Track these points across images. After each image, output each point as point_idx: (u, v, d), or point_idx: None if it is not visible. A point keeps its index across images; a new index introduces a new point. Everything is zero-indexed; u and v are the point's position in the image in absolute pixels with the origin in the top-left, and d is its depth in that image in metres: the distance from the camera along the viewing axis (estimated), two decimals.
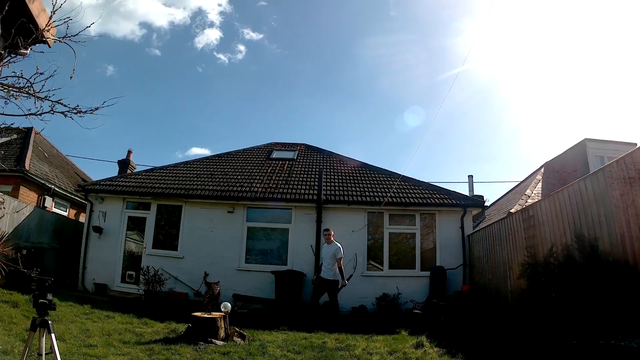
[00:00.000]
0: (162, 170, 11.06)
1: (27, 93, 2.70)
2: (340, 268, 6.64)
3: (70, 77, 2.78)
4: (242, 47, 45.12)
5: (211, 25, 44.46)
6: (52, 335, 2.22)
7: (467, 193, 12.17)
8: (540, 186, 10.64)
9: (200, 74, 45.48)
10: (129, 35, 40.46)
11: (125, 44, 38.39)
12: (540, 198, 9.11)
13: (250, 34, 43.81)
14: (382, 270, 9.32)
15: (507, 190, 13.93)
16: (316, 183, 9.97)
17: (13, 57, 2.77)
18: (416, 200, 9.46)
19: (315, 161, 12.15)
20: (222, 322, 4.86)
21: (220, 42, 45.33)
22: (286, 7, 42.99)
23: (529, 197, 9.96)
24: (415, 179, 10.65)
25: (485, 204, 10.61)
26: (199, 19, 44.10)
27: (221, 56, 45.38)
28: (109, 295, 8.83)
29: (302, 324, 6.21)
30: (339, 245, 6.73)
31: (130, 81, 38.06)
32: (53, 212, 11.39)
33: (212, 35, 44.88)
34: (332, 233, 6.92)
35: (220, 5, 43.67)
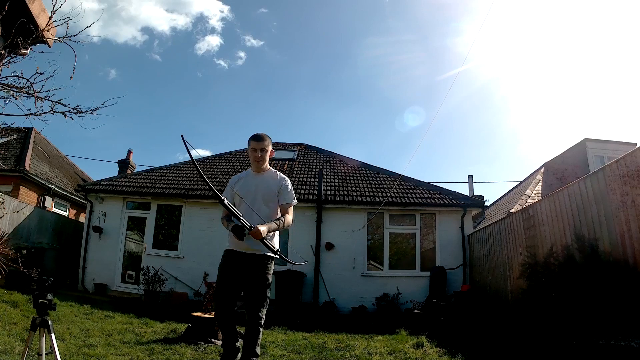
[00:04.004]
0: (162, 170, 11.06)
1: (27, 93, 2.71)
2: (280, 222, 2.90)
3: (70, 77, 2.78)
4: (242, 54, 45.17)
5: (212, 31, 44.49)
6: (52, 335, 2.22)
7: (467, 193, 12.17)
8: (540, 186, 10.64)
9: (200, 78, 45.50)
10: (131, 41, 40.50)
11: (127, 49, 38.43)
12: (540, 198, 9.11)
13: (251, 41, 43.86)
14: (382, 270, 9.32)
15: (507, 190, 13.94)
16: (316, 183, 9.98)
17: (13, 57, 2.77)
18: (416, 200, 9.46)
19: (315, 161, 12.15)
20: None
21: (220, 48, 45.36)
22: (286, 12, 43.02)
23: (529, 197, 9.96)
24: (415, 179, 10.66)
25: (485, 204, 10.62)
26: (200, 25, 44.12)
27: (221, 62, 45.42)
28: (109, 295, 8.83)
29: (302, 324, 6.22)
30: (286, 178, 3.14)
31: (132, 84, 38.11)
32: (53, 212, 11.39)
33: (212, 42, 44.92)
34: (271, 150, 3.12)
35: (222, 11, 43.72)
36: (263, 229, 2.70)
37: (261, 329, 2.97)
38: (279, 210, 3.02)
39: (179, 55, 42.23)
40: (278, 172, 3.18)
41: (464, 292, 8.12)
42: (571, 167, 10.54)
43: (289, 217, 3.01)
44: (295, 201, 3.10)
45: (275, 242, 2.99)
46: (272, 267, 3.02)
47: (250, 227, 2.68)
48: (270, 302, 3.11)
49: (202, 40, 44.81)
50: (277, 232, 2.99)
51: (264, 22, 41.94)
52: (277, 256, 2.95)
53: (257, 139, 3.08)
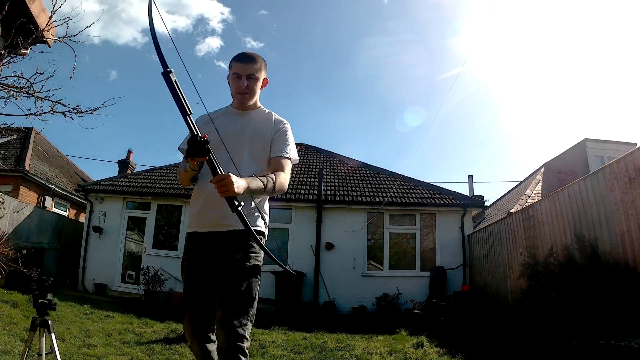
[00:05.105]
0: (162, 170, 11.06)
1: (27, 93, 2.71)
2: (269, 179, 1.69)
3: (70, 77, 2.78)
4: None
5: (213, 33, 44.60)
6: (52, 335, 2.22)
7: (467, 193, 12.17)
8: (540, 186, 10.64)
9: (200, 80, 45.54)
10: (132, 42, 40.59)
11: (128, 50, 38.49)
12: (540, 198, 9.11)
13: (252, 43, 43.95)
14: (382, 270, 9.32)
15: (507, 190, 13.94)
16: (316, 183, 9.98)
17: (13, 57, 2.77)
18: (416, 200, 9.47)
19: (315, 161, 12.15)
20: None
21: (221, 50, 45.41)
22: (286, 13, 43.04)
23: (529, 197, 9.96)
24: (415, 179, 10.66)
25: (485, 204, 10.62)
26: (200, 26, 44.25)
27: (221, 63, 45.48)
28: (109, 295, 8.83)
29: (302, 324, 6.22)
30: (285, 121, 1.96)
31: (133, 85, 38.18)
32: (53, 212, 11.39)
33: (213, 44, 45.01)
34: (265, 79, 1.92)
35: (222, 13, 43.80)
36: (240, 183, 1.54)
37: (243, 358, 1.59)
38: (280, 162, 1.86)
39: (178, 57, 42.21)
40: (273, 113, 1.98)
41: (464, 292, 8.12)
42: (571, 167, 10.54)
43: (284, 177, 1.81)
44: (297, 158, 1.93)
45: (261, 221, 1.86)
46: (261, 251, 1.77)
47: (203, 138, 1.51)
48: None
49: (203, 42, 44.86)
50: (267, 203, 1.95)
51: (264, 23, 41.99)
52: (262, 232, 1.86)
53: (244, 58, 1.86)
